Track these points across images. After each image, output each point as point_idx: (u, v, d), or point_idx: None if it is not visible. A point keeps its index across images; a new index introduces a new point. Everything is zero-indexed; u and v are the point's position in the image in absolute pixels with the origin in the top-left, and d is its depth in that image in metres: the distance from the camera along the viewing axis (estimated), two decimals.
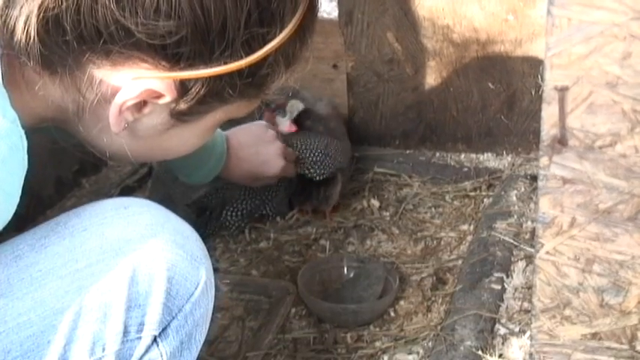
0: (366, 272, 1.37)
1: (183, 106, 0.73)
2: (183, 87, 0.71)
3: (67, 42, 0.67)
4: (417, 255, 1.47)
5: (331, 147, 1.56)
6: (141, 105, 0.73)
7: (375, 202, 1.64)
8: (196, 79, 0.71)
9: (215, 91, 0.73)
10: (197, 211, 1.46)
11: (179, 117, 0.75)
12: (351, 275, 1.38)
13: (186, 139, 0.80)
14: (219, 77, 0.71)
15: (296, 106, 1.57)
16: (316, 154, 1.52)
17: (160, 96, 0.72)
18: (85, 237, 0.71)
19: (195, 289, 0.74)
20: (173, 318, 0.73)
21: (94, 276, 0.70)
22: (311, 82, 1.79)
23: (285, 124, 1.53)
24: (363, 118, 1.84)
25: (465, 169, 1.73)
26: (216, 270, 1.43)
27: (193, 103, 0.73)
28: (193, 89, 0.71)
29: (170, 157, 0.84)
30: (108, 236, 0.72)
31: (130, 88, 0.70)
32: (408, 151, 1.82)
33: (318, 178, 1.52)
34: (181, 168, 1.28)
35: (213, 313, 0.78)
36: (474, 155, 1.79)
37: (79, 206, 0.75)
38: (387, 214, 1.61)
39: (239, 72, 0.71)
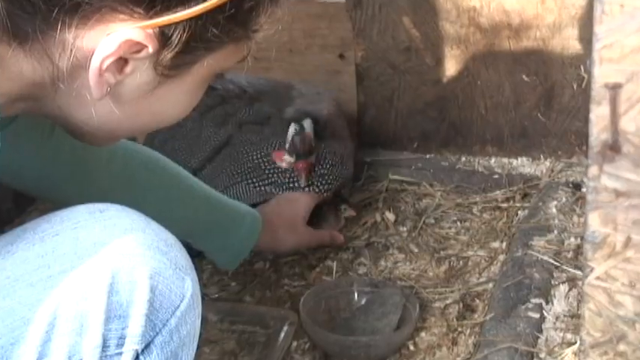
0: (380, 298, 1.37)
1: (167, 57, 0.75)
2: (163, 35, 0.74)
3: (33, 2, 0.70)
4: (440, 278, 1.47)
5: (340, 158, 1.56)
6: (122, 64, 0.75)
7: (390, 216, 1.64)
8: (176, 24, 0.73)
9: (199, 35, 0.75)
10: None
11: (165, 72, 0.77)
12: (363, 302, 1.38)
13: (176, 99, 0.82)
14: (200, 17, 0.74)
15: (293, 132, 1.53)
16: (323, 165, 1.53)
17: (140, 49, 0.74)
18: (58, 242, 0.73)
19: (181, 301, 0.76)
20: (157, 333, 0.75)
21: (68, 283, 0.71)
22: (313, 75, 1.79)
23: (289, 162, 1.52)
24: (375, 116, 1.83)
25: (496, 176, 1.73)
26: (203, 296, 1.45)
27: (177, 51, 0.75)
28: (175, 35, 0.74)
29: (162, 124, 0.86)
30: (83, 241, 0.74)
31: (106, 44, 0.72)
32: (428, 156, 1.81)
33: (325, 194, 1.52)
34: (200, 241, 1.31)
35: (199, 347, 0.81)
36: (505, 160, 1.79)
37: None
38: (405, 229, 1.61)
39: (220, 8, 0.74)
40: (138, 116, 0.81)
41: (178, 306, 0.75)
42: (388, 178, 1.75)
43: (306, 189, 1.50)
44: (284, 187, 1.49)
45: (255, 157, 1.52)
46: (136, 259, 0.74)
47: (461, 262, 1.51)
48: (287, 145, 1.51)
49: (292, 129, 1.52)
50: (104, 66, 0.74)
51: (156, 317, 0.74)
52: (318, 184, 1.51)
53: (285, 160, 1.52)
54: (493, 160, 1.80)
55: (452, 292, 1.42)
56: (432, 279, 1.46)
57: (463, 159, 1.81)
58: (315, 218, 1.54)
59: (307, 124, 1.53)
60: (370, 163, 1.78)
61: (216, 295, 1.44)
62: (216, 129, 1.54)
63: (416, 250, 1.54)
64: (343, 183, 1.58)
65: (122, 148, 1.22)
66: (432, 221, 1.63)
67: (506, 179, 1.72)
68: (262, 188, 1.50)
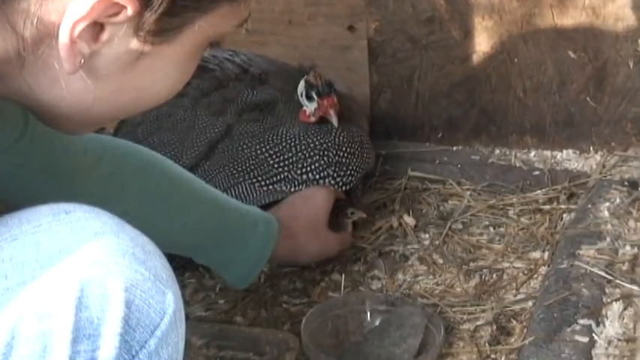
0: (397, 319, 1.36)
1: (150, 19, 0.75)
2: None
3: None
4: (469, 294, 1.47)
5: (359, 144, 1.57)
6: (97, 30, 0.75)
7: (410, 220, 1.63)
8: None
9: None
10: None
11: (148, 38, 0.77)
12: (377, 323, 1.38)
13: (164, 73, 0.82)
14: None
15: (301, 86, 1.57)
16: (339, 152, 1.53)
17: (117, 11, 0.74)
18: (16, 248, 0.73)
19: (161, 319, 0.75)
20: (133, 357, 0.74)
21: (28, 297, 0.71)
22: (317, 51, 1.79)
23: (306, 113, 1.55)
24: (391, 101, 1.83)
25: (536, 173, 1.73)
26: (187, 315, 1.44)
27: (162, 13, 0.75)
28: None
29: (147, 105, 0.86)
30: (46, 247, 0.73)
31: (77, 6, 0.72)
32: (455, 148, 1.81)
33: (344, 188, 1.53)
34: (208, 257, 1.32)
35: None
36: (548, 153, 1.79)
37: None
38: (427, 236, 1.61)
39: None
40: (118, 94, 0.81)
41: (158, 325, 0.75)
42: (407, 174, 1.74)
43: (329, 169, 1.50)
44: (297, 182, 1.50)
45: (258, 150, 1.52)
46: (109, 269, 0.73)
47: (494, 275, 1.50)
48: (302, 93, 1.53)
49: (301, 82, 1.54)
50: (76, 32, 0.73)
51: (132, 337, 0.74)
52: (335, 175, 1.51)
53: (309, 109, 1.54)
54: (533, 153, 1.79)
55: (483, 311, 1.41)
56: (459, 296, 1.46)
57: (497, 152, 1.80)
58: None
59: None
60: (385, 157, 1.77)
61: (202, 314, 1.44)
62: (213, 118, 1.54)
63: (440, 261, 1.54)
64: (362, 178, 1.58)
65: (111, 148, 1.21)
66: (460, 226, 1.62)
67: (549, 176, 1.71)
68: (270, 187, 1.50)
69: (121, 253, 0.75)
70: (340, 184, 1.52)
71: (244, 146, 1.52)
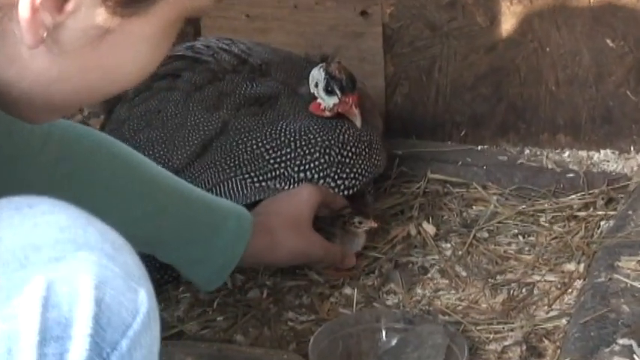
0: (416, 338, 1.36)
1: None
2: None
3: None
4: (496, 310, 1.46)
5: (368, 144, 1.57)
6: (62, 0, 0.75)
7: (430, 228, 1.63)
8: None
9: None
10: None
11: (118, 9, 0.77)
12: (393, 343, 1.38)
13: (135, 51, 0.82)
14: None
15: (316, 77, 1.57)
16: (342, 151, 1.53)
17: None
18: None
19: (134, 319, 0.76)
20: (106, 358, 0.74)
21: None
22: (326, 39, 1.79)
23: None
24: (408, 95, 1.83)
25: (570, 175, 1.73)
26: (179, 334, 1.45)
27: None
28: None
29: (116, 87, 0.86)
30: (8, 243, 0.74)
31: None
32: (480, 147, 1.81)
33: (345, 192, 1.53)
34: (171, 255, 1.32)
35: None
36: (583, 153, 1.79)
37: None
38: (449, 245, 1.61)
39: None
40: (84, 74, 0.81)
41: (130, 324, 0.75)
42: (426, 177, 1.74)
43: (320, 181, 1.50)
44: (293, 180, 1.50)
45: (254, 145, 1.52)
46: (77, 265, 0.73)
47: (524, 289, 1.50)
48: (318, 84, 1.54)
49: (317, 70, 1.55)
50: (37, 1, 0.73)
51: (103, 339, 0.74)
52: (337, 177, 1.51)
53: (326, 103, 1.54)
54: (567, 153, 1.80)
55: (512, 330, 1.41)
56: (485, 312, 1.46)
57: (527, 152, 1.80)
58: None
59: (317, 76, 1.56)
60: (402, 157, 1.77)
61: (199, 332, 1.44)
62: (207, 114, 1.55)
63: (464, 274, 1.54)
64: (369, 182, 1.58)
65: (59, 130, 1.20)
66: (485, 235, 1.62)
67: (585, 179, 1.71)
68: (264, 184, 1.50)
69: (89, 249, 0.75)
70: (342, 187, 1.52)
71: (239, 141, 1.53)
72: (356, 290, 1.50)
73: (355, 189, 1.54)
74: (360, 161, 1.54)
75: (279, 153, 1.51)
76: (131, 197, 1.24)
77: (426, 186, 1.73)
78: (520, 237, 1.62)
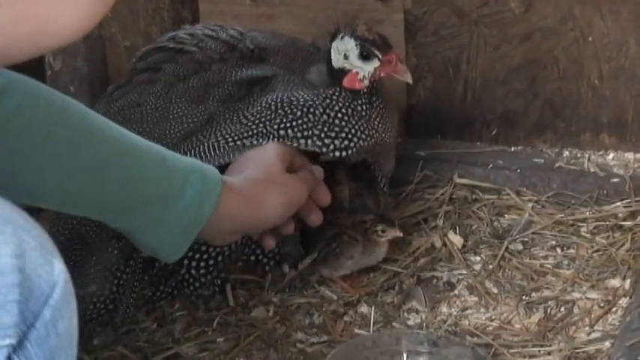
0: None
1: None
2: None
3: None
4: (531, 332, 1.46)
5: (367, 106, 1.56)
6: None
7: (456, 239, 1.64)
8: None
9: None
10: (144, 265, 1.47)
11: None
12: None
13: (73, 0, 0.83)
14: None
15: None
16: (333, 114, 1.52)
17: None
18: None
19: (52, 290, 0.82)
20: (29, 327, 0.81)
21: None
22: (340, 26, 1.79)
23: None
24: (433, 89, 1.83)
25: (615, 180, 1.72)
26: (174, 357, 1.45)
27: None
28: None
29: (51, 42, 0.87)
30: None
31: None
32: (513, 148, 1.81)
33: (337, 154, 1.50)
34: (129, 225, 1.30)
35: None
36: (630, 155, 1.79)
37: None
38: (478, 258, 1.61)
39: None
40: (17, 24, 0.81)
41: (50, 295, 0.82)
42: (452, 181, 1.74)
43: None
44: (272, 137, 1.48)
45: (234, 117, 1.52)
46: None
47: (562, 308, 1.50)
48: (354, 54, 1.54)
49: (343, 40, 1.54)
50: None
51: (26, 307, 0.81)
52: (324, 135, 1.50)
53: (365, 70, 1.54)
54: (611, 155, 1.80)
55: (549, 353, 1.41)
56: (519, 333, 1.45)
57: (566, 154, 1.80)
58: (335, 244, 1.55)
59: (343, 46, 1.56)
60: (426, 160, 1.77)
61: (196, 355, 1.44)
62: (192, 106, 1.56)
63: (495, 291, 1.54)
64: (370, 149, 1.55)
65: None
66: (520, 247, 1.62)
67: (631, 184, 1.71)
68: (239, 142, 1.49)
69: (5, 220, 0.80)
70: (332, 147, 1.50)
71: (220, 120, 1.53)
72: (373, 308, 1.50)
73: (350, 151, 1.51)
74: (354, 122, 1.53)
75: (258, 116, 1.50)
76: (63, 147, 1.22)
77: (452, 192, 1.73)
78: (558, 249, 1.62)
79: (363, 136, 1.53)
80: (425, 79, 1.83)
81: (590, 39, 1.75)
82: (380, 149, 1.60)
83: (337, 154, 1.51)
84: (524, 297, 1.52)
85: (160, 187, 1.28)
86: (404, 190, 1.74)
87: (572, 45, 1.76)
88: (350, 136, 1.52)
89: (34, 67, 1.13)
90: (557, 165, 1.78)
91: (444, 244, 1.63)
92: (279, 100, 1.52)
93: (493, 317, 1.49)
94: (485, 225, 1.67)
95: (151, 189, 1.28)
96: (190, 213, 1.29)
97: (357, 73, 1.55)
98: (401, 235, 1.55)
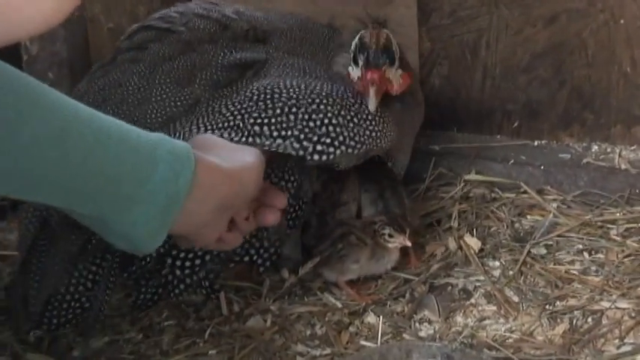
0: None
1: None
2: None
3: None
4: (555, 344, 1.46)
5: (356, 110, 1.55)
6: None
7: (473, 242, 1.64)
8: None
9: None
10: (122, 262, 1.47)
11: None
12: None
13: None
14: None
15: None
16: (318, 114, 1.51)
17: None
18: None
19: None
20: None
21: None
22: (347, 5, 1.79)
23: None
24: (448, 77, 1.84)
25: None
26: None
27: None
28: None
29: (19, 28, 0.89)
30: None
31: None
32: (536, 143, 1.82)
33: (315, 157, 1.49)
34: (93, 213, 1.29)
35: None
36: None
37: None
38: (497, 263, 1.61)
39: None
40: None
41: None
42: (469, 178, 1.76)
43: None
44: (245, 133, 1.47)
45: (216, 106, 1.52)
46: None
47: (590, 319, 1.50)
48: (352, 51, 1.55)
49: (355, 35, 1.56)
50: None
51: None
52: (303, 137, 1.48)
53: (353, 74, 1.56)
54: None
55: None
56: (541, 346, 1.45)
57: (595, 148, 1.81)
58: (341, 245, 1.55)
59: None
60: (440, 154, 1.78)
61: None
62: (176, 89, 1.57)
63: (515, 299, 1.54)
64: (363, 155, 1.54)
65: None
66: (543, 251, 1.62)
67: None
68: (212, 133, 1.48)
69: None
70: (309, 150, 1.49)
71: (204, 107, 1.53)
72: (381, 318, 1.50)
73: (332, 156, 1.51)
74: (342, 125, 1.52)
75: (238, 106, 1.50)
76: (16, 117, 1.22)
77: (468, 190, 1.74)
78: (585, 254, 1.62)
79: (352, 142, 1.52)
80: (440, 65, 1.83)
81: (621, 21, 1.75)
82: (394, 146, 1.60)
83: (316, 157, 1.50)
84: (547, 306, 1.52)
85: (128, 161, 1.25)
86: (416, 188, 1.74)
87: (601, 28, 1.76)
88: (334, 141, 1.51)
89: (9, 52, 1.13)
90: (584, 161, 1.78)
91: (460, 248, 1.63)
92: (262, 89, 1.52)
93: (513, 328, 1.49)
94: (505, 227, 1.67)
95: (117, 164, 1.25)
96: (166, 188, 1.27)
97: (349, 72, 1.58)
98: (409, 244, 1.55)
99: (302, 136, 1.49)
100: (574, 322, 1.50)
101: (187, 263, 1.49)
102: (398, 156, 1.64)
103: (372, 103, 1.53)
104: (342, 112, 1.53)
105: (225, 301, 1.54)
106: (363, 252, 1.56)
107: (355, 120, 1.54)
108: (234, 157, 1.36)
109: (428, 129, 1.76)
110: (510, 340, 1.46)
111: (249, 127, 1.48)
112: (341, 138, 1.51)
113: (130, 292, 1.51)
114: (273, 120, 1.49)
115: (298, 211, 1.55)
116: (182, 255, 1.48)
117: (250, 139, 1.47)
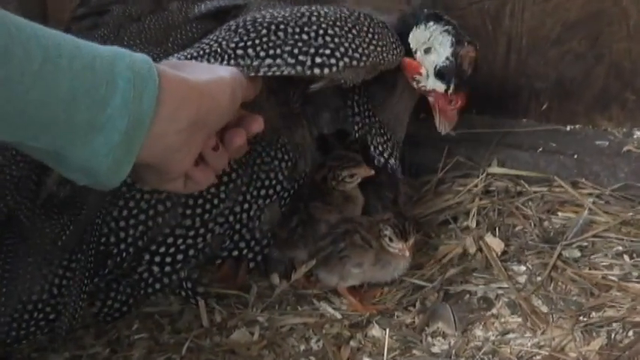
0: None
1: None
2: None
3: None
4: None
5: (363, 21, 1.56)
6: None
7: (495, 242, 1.64)
8: None
9: None
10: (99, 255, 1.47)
11: None
12: None
13: None
14: None
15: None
16: (314, 31, 1.52)
17: None
18: None
19: None
20: None
21: None
22: None
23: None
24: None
25: None
26: None
27: None
28: None
29: None
30: None
31: None
32: (569, 127, 1.84)
33: (318, 70, 1.50)
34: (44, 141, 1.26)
35: None
36: None
37: None
38: (523, 268, 1.61)
39: None
40: None
41: None
42: (490, 169, 1.77)
43: None
44: (227, 57, 1.49)
45: (188, 52, 1.52)
46: None
47: (630, 332, 1.50)
48: (435, 58, 1.59)
49: (441, 32, 1.59)
50: None
51: None
52: (295, 50, 1.50)
53: (425, 81, 1.60)
54: None
55: None
56: None
57: (637, 134, 1.82)
58: (343, 244, 1.56)
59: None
60: (457, 141, 1.79)
61: None
62: (148, 48, 1.58)
63: (544, 310, 1.54)
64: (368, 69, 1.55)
65: None
66: (577, 254, 1.62)
67: None
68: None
69: None
70: (307, 64, 1.50)
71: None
72: (388, 331, 1.49)
73: (334, 68, 1.51)
74: (342, 37, 1.53)
75: (214, 38, 1.51)
76: None
77: (489, 182, 1.75)
78: (626, 257, 1.62)
79: (356, 55, 1.54)
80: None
81: None
82: (392, 115, 1.62)
83: (317, 70, 1.50)
84: (581, 317, 1.52)
85: (82, 80, 1.25)
86: (428, 179, 1.75)
87: None
88: (335, 52, 1.52)
89: None
90: (625, 149, 1.79)
91: (479, 250, 1.64)
92: (240, 21, 1.52)
93: (542, 343, 1.49)
94: (533, 225, 1.68)
95: (71, 86, 1.24)
96: (128, 110, 1.26)
97: (420, 72, 1.61)
98: (407, 255, 1.55)
99: (296, 51, 1.50)
100: (612, 335, 1.50)
101: (168, 259, 1.49)
102: (395, 127, 1.65)
103: (445, 128, 1.62)
104: (338, 23, 1.54)
105: (205, 311, 1.54)
106: (366, 255, 1.56)
107: (354, 31, 1.55)
108: (204, 73, 1.37)
109: None
110: (538, 357, 1.47)
111: (229, 51, 1.48)
112: (342, 49, 1.52)
113: (95, 299, 1.50)
114: (257, 41, 1.50)
115: (292, 195, 1.57)
116: (162, 250, 1.49)
117: (233, 62, 1.47)
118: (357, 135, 1.60)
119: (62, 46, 1.27)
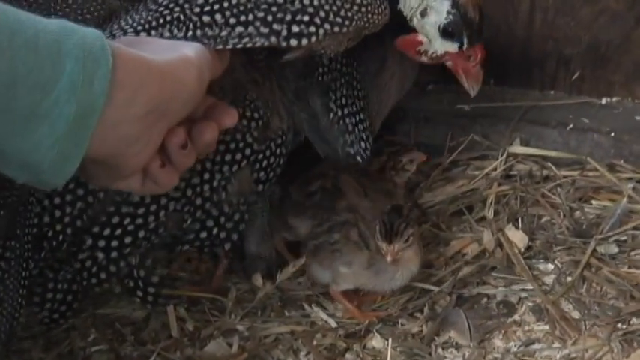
0: None
1: None
2: None
3: None
4: None
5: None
6: None
7: (517, 236, 1.64)
8: None
9: None
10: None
11: None
12: None
13: None
14: None
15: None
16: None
17: None
18: None
19: None
20: None
21: None
22: None
23: None
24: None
25: None
26: None
27: None
28: None
29: None
30: None
31: None
32: (604, 100, 1.83)
33: (295, 41, 1.51)
34: None
35: None
36: None
37: None
38: (550, 266, 1.60)
39: None
40: None
41: None
42: (510, 149, 1.76)
43: None
44: (192, 25, 1.50)
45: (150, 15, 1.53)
46: None
47: None
48: (435, 18, 1.59)
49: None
50: None
51: None
52: (270, 17, 1.50)
53: (433, 46, 1.60)
54: None
55: None
56: None
57: None
58: (339, 234, 1.55)
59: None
60: (472, 117, 1.79)
61: None
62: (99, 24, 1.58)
63: (575, 315, 1.53)
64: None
65: None
66: (614, 250, 1.62)
67: None
68: (144, 35, 1.51)
69: None
70: (283, 34, 1.51)
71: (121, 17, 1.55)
72: (390, 341, 1.49)
73: (313, 38, 1.52)
74: (324, 0, 1.53)
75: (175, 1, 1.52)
76: None
77: (510, 165, 1.75)
78: None
79: (338, 19, 1.54)
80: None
81: None
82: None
83: (294, 42, 1.51)
84: (619, 324, 1.52)
85: (23, 59, 1.24)
86: (438, 163, 1.75)
87: None
88: (314, 17, 1.53)
89: None
90: None
91: (499, 245, 1.63)
92: None
93: (573, 355, 1.48)
94: (562, 216, 1.68)
95: (9, 64, 1.24)
96: (77, 95, 1.26)
97: (421, 42, 1.61)
98: (390, 259, 1.52)
99: (270, 18, 1.50)
100: None
101: (114, 242, 1.49)
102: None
103: (475, 89, 1.62)
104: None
105: (174, 318, 1.54)
106: (358, 255, 1.55)
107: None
108: (166, 51, 1.36)
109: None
110: None
111: (194, 18, 1.50)
112: (322, 13, 1.53)
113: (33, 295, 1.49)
114: (226, 4, 1.50)
115: (268, 159, 1.56)
116: (106, 232, 1.48)
117: (199, 32, 1.48)
118: (320, 79, 1.61)
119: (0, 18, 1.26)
